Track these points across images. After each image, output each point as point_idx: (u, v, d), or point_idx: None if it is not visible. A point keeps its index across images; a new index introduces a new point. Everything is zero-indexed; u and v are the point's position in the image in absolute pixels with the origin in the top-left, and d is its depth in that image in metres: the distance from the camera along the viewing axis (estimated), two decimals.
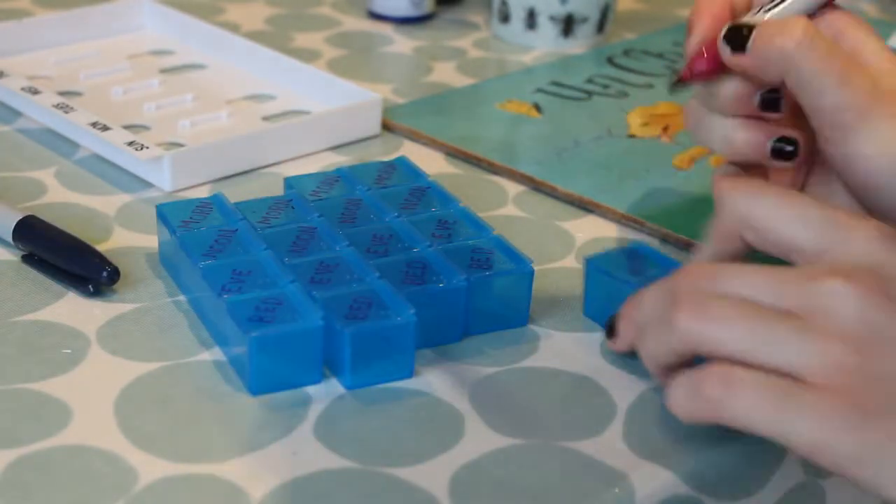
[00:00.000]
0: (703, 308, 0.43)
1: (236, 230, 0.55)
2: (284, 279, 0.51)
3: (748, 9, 0.53)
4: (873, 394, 0.40)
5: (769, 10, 0.51)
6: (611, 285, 0.54)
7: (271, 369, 0.49)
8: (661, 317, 0.44)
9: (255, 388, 0.49)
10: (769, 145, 0.51)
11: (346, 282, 0.51)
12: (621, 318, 0.49)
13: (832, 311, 0.41)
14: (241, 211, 0.57)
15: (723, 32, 0.50)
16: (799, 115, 0.52)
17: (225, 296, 0.50)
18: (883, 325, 0.41)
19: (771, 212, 0.45)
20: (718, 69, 0.51)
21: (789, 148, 0.51)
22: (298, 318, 0.49)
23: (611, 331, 0.49)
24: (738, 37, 0.50)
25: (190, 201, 0.58)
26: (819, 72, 0.48)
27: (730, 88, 0.51)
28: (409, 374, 0.50)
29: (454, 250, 0.54)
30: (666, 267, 0.54)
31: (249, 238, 0.54)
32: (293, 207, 0.58)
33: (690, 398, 0.42)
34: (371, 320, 0.49)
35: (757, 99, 0.51)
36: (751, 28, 0.50)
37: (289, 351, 0.49)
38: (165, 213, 0.56)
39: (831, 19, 0.52)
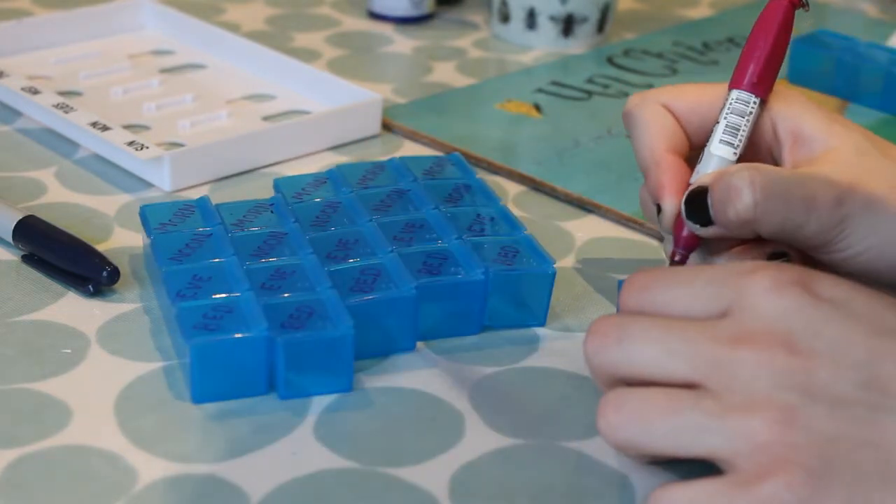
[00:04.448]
0: (620, 409, 0.42)
1: (210, 234, 0.54)
2: (242, 286, 0.50)
3: (685, 140, 0.53)
4: (803, 462, 0.39)
5: (712, 154, 0.51)
6: None
7: (214, 378, 0.48)
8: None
9: (198, 397, 0.48)
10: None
11: (297, 290, 0.50)
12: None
13: (742, 380, 0.41)
14: (221, 214, 0.56)
15: (683, 212, 0.50)
16: None
17: (179, 302, 0.49)
18: (795, 383, 0.40)
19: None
20: (701, 238, 0.51)
21: (783, 259, 0.51)
22: (244, 327, 0.48)
23: None
24: (700, 211, 0.49)
25: (174, 203, 0.57)
26: (785, 218, 0.48)
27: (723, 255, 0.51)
28: (348, 387, 0.49)
29: (410, 255, 0.53)
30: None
31: (221, 242, 0.54)
32: (272, 211, 0.57)
33: None
34: (306, 330, 0.48)
35: (766, 257, 0.51)
36: (704, 195, 0.49)
37: (232, 360, 0.48)
38: (147, 215, 0.56)
39: (776, 109, 0.52)
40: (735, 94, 0.51)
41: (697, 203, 0.50)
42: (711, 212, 0.49)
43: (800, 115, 0.51)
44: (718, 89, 0.53)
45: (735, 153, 0.51)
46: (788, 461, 0.39)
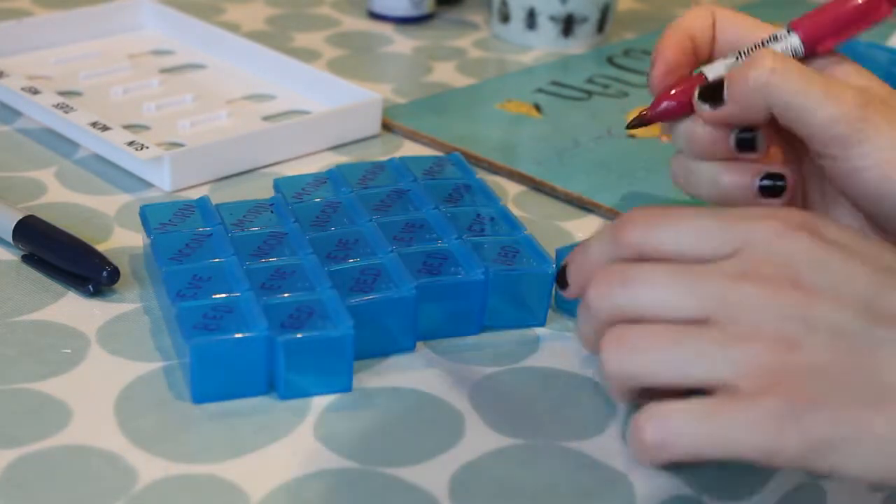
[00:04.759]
0: (623, 342, 0.43)
1: (210, 234, 0.54)
2: (242, 286, 0.50)
3: (709, 42, 0.54)
4: (802, 385, 0.40)
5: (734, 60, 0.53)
6: None
7: (214, 378, 0.48)
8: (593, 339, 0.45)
9: (198, 397, 0.48)
10: (756, 184, 0.52)
11: (297, 290, 0.50)
12: (569, 266, 0.48)
13: (748, 314, 0.42)
14: (221, 213, 0.56)
15: (696, 94, 0.51)
16: (783, 148, 0.53)
17: (179, 302, 0.49)
18: (797, 315, 0.41)
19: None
20: (685, 110, 0.52)
21: (778, 183, 0.52)
22: (244, 327, 0.48)
23: (562, 282, 0.48)
24: (713, 91, 0.51)
25: (174, 203, 0.57)
26: (802, 91, 0.49)
27: (701, 133, 0.52)
28: (348, 387, 0.49)
29: (410, 255, 0.53)
30: None
31: (221, 242, 0.54)
32: (272, 211, 0.57)
33: (638, 450, 0.42)
34: (306, 330, 0.48)
35: (732, 141, 0.52)
36: (721, 80, 0.51)
37: (232, 360, 0.48)
38: (147, 215, 0.56)
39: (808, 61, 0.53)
40: (788, 32, 0.52)
41: (713, 88, 0.51)
42: (726, 88, 0.50)
43: (832, 62, 0.52)
44: (770, 27, 0.54)
45: None
46: (787, 381, 0.40)
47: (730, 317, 0.42)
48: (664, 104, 0.53)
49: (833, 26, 0.52)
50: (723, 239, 0.43)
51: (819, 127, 0.49)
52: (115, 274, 0.55)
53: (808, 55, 0.52)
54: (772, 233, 0.43)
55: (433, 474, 0.45)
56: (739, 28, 0.54)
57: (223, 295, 0.50)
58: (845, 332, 0.41)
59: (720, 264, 0.43)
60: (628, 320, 0.43)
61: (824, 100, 0.49)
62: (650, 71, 0.54)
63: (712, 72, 0.53)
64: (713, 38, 0.54)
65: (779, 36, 0.52)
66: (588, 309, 0.45)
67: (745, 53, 0.52)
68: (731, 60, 0.53)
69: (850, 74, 0.52)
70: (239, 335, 0.48)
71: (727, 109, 0.50)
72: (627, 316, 0.44)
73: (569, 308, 0.55)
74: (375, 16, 0.92)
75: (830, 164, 0.50)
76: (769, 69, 0.49)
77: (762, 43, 0.52)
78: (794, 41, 0.52)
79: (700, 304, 0.42)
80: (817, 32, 0.52)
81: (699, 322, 0.42)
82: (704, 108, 0.51)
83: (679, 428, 0.41)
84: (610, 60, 0.85)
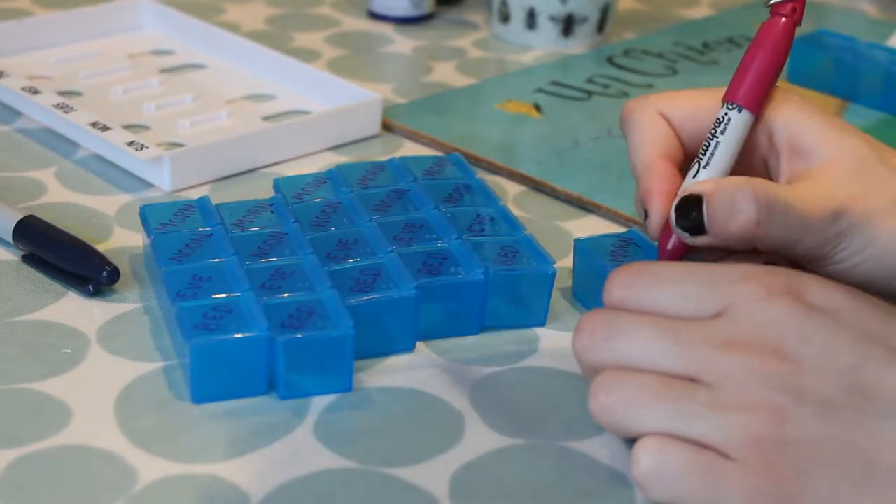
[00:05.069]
0: (610, 392, 0.43)
1: (210, 234, 0.54)
2: (242, 286, 0.50)
3: (680, 147, 0.52)
4: (792, 461, 0.40)
5: (705, 165, 0.50)
6: (592, 267, 0.55)
7: (214, 378, 0.48)
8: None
9: (198, 397, 0.48)
10: None
11: (297, 290, 0.50)
12: None
13: (735, 381, 0.41)
14: (222, 213, 0.56)
15: (673, 219, 0.49)
16: None
17: (179, 302, 0.49)
18: (784, 385, 0.41)
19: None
20: (689, 247, 0.50)
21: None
22: (244, 327, 0.48)
23: None
24: (691, 220, 0.48)
25: (174, 203, 0.57)
26: (784, 235, 0.48)
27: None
28: (348, 387, 0.49)
29: (410, 255, 0.53)
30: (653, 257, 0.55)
31: (221, 242, 0.54)
32: (272, 211, 0.57)
33: (633, 477, 0.42)
34: (306, 330, 0.48)
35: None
36: (699, 203, 0.48)
37: (232, 360, 0.48)
38: (147, 215, 0.56)
39: (772, 118, 0.51)
40: (728, 109, 0.50)
41: (689, 211, 0.48)
42: (707, 222, 0.48)
43: (797, 124, 0.51)
44: (714, 96, 0.52)
45: (725, 170, 0.50)
46: (778, 458, 0.40)
47: (717, 381, 0.42)
48: (672, 242, 0.50)
49: (768, 78, 0.50)
50: (705, 302, 0.43)
51: (800, 255, 0.49)
52: (115, 274, 0.55)
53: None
54: (754, 297, 0.42)
55: (433, 474, 0.45)
56: (692, 119, 0.52)
57: (223, 295, 0.50)
58: (833, 404, 0.41)
59: (704, 326, 0.43)
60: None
61: (804, 234, 0.48)
62: (645, 220, 0.51)
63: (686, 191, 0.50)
64: (680, 141, 0.52)
65: (723, 118, 0.50)
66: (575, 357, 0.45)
67: (704, 164, 0.50)
68: (692, 173, 0.50)
69: (817, 140, 0.50)
70: (239, 335, 0.48)
71: (708, 239, 0.48)
72: (614, 367, 0.44)
73: (587, 301, 0.56)
74: (375, 16, 0.92)
75: (814, 269, 0.50)
76: (754, 223, 0.47)
77: (713, 136, 0.50)
78: (744, 117, 0.50)
79: (685, 365, 0.42)
80: (758, 94, 0.50)
81: (686, 378, 0.42)
82: (684, 236, 0.49)
83: (672, 472, 0.41)
84: (610, 60, 0.85)
